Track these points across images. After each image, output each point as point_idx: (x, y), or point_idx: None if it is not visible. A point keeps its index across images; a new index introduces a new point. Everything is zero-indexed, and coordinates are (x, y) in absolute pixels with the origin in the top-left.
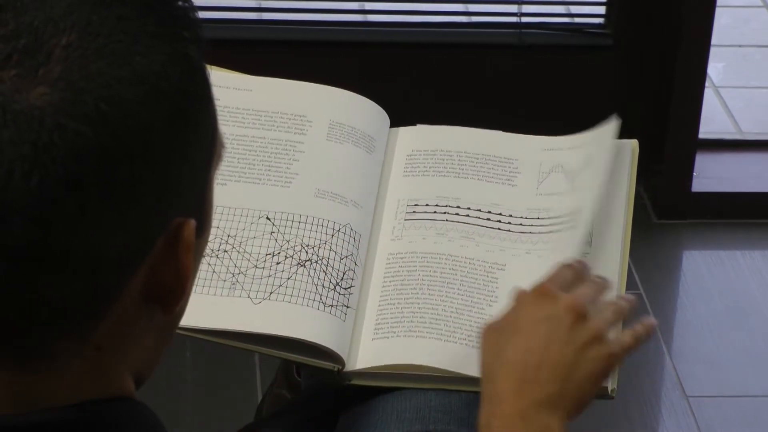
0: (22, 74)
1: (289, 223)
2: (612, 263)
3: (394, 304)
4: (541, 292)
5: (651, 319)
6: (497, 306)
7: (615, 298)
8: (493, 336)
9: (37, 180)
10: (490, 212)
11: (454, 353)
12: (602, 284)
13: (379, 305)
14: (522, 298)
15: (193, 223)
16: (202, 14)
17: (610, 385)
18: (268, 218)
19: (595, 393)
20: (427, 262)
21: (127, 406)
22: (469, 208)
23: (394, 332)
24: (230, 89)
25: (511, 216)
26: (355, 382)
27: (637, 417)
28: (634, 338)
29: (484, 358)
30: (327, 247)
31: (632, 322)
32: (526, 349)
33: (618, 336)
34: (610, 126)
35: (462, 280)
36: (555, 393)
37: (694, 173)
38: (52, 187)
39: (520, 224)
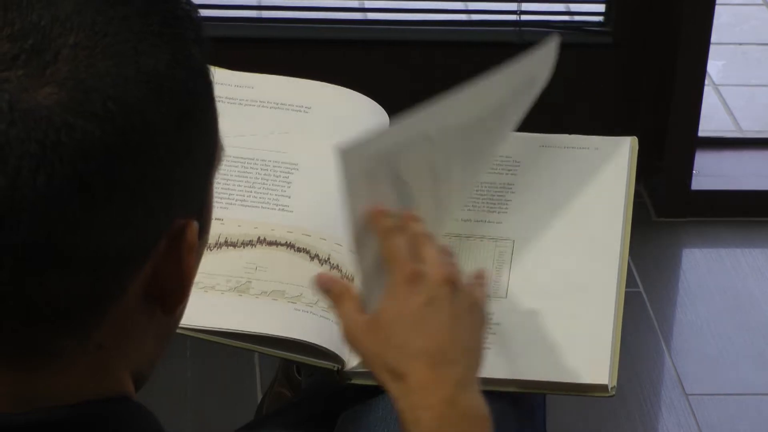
0: (30, 74)
1: (290, 224)
2: (612, 261)
3: None
4: (409, 277)
5: (480, 270)
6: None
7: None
8: (370, 333)
9: (44, 178)
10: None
11: None
12: (415, 222)
13: None
14: (394, 290)
15: (195, 223)
16: (201, 12)
17: (610, 382)
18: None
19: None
20: None
21: (126, 406)
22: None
23: None
24: (231, 86)
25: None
26: (356, 381)
27: (636, 415)
28: (481, 286)
29: (374, 359)
30: (328, 247)
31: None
32: (426, 336)
33: (472, 288)
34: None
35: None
36: (468, 368)
37: (694, 171)
38: (59, 186)
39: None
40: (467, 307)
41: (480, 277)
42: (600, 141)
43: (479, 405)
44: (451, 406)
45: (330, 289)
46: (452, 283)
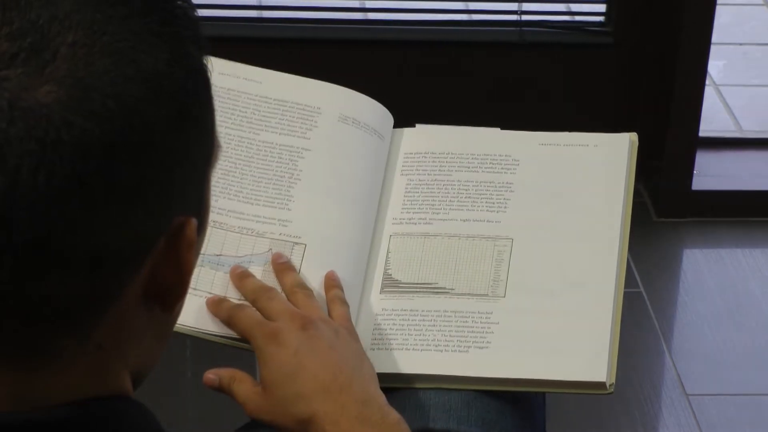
0: (29, 72)
1: (291, 225)
2: (611, 257)
3: (392, 318)
4: (267, 336)
5: (329, 272)
6: (500, 308)
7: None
8: (274, 395)
9: (45, 177)
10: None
11: (454, 360)
12: (280, 270)
13: (376, 316)
14: (263, 355)
15: (194, 221)
16: (202, 12)
17: (609, 379)
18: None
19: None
20: (422, 272)
21: (125, 405)
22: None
23: (392, 344)
24: (240, 79)
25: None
26: None
27: (637, 415)
28: (341, 302)
29: (286, 421)
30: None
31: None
32: (312, 375)
33: (335, 309)
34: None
35: (459, 298)
36: (362, 383)
37: (695, 171)
38: (59, 185)
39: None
40: (332, 333)
41: (340, 311)
42: (599, 138)
43: (388, 412)
44: (363, 424)
45: (219, 382)
46: (307, 323)
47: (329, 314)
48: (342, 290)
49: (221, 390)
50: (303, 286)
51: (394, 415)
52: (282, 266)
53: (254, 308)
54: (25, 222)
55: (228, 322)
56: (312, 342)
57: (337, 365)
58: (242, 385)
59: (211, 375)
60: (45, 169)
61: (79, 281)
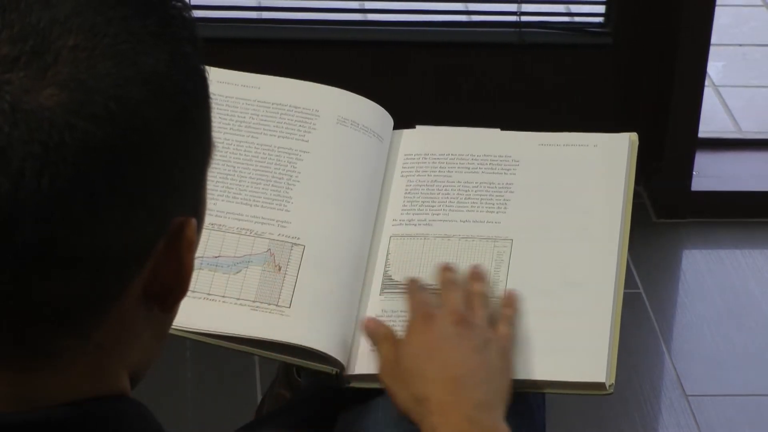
0: (31, 75)
1: (290, 226)
2: (610, 257)
3: (392, 319)
4: (424, 317)
5: (510, 291)
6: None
7: (480, 292)
8: (399, 369)
9: (48, 179)
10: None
11: None
12: (465, 280)
13: (376, 317)
14: (411, 330)
15: (194, 221)
16: (202, 13)
17: (608, 380)
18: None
19: (510, 383)
20: (422, 273)
21: (125, 405)
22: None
23: None
24: (238, 86)
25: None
26: (354, 384)
27: (636, 416)
28: (509, 324)
29: (399, 391)
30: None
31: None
32: (444, 365)
33: (500, 327)
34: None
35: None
36: (487, 392)
37: (694, 172)
38: (62, 187)
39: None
40: (482, 342)
41: (505, 329)
42: (599, 138)
43: (500, 428)
44: (470, 424)
45: (374, 333)
46: (463, 321)
47: (496, 329)
48: (516, 313)
49: (371, 338)
50: (483, 296)
51: (504, 428)
52: (477, 274)
53: (434, 294)
54: (28, 224)
55: (407, 295)
56: (458, 338)
57: (471, 367)
58: (387, 345)
59: (372, 324)
60: (48, 171)
61: (81, 282)
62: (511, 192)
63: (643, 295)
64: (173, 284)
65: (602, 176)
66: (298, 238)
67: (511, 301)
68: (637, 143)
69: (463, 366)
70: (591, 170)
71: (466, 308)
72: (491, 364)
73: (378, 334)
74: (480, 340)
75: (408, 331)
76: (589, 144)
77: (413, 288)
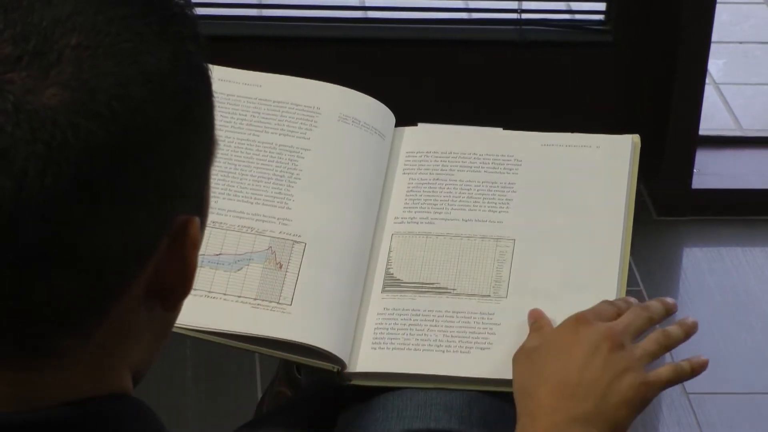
0: (33, 75)
1: (291, 223)
2: (613, 259)
3: (393, 317)
4: (579, 319)
5: (701, 357)
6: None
7: (664, 330)
8: (529, 357)
9: (51, 179)
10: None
11: (456, 361)
12: (652, 315)
13: (378, 315)
14: (561, 325)
15: (197, 220)
16: (202, 11)
17: None
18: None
19: (631, 420)
20: (424, 271)
21: (127, 404)
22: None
23: (393, 344)
24: (239, 84)
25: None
26: (356, 382)
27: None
28: (675, 372)
29: (520, 378)
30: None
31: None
32: (564, 368)
33: (661, 368)
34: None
35: (460, 297)
36: (590, 411)
37: (695, 170)
38: (66, 186)
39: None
40: (621, 368)
41: (662, 340)
42: (601, 139)
43: None
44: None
45: (536, 319)
46: (614, 343)
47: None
48: (681, 373)
49: (530, 321)
50: (663, 334)
51: None
52: (667, 310)
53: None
54: (32, 224)
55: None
56: (598, 355)
57: (591, 383)
58: (538, 334)
59: (538, 313)
60: (51, 171)
61: (83, 281)
62: (514, 192)
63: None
64: (176, 283)
65: (605, 178)
66: (300, 236)
67: (671, 342)
68: (639, 145)
69: (584, 381)
70: (594, 171)
71: (629, 334)
72: (616, 391)
73: (538, 321)
74: (619, 366)
75: (558, 327)
76: (592, 145)
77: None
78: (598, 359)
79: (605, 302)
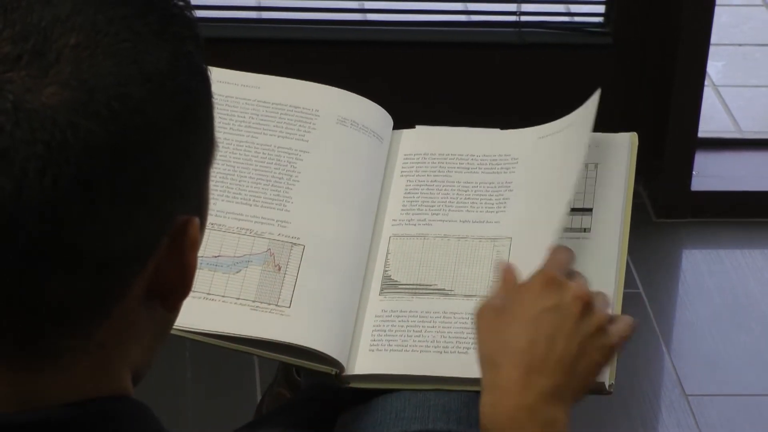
0: (33, 74)
1: (290, 226)
2: (610, 258)
3: (391, 319)
4: (548, 279)
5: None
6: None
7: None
8: (493, 318)
9: (51, 179)
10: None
11: (453, 362)
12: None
13: (376, 317)
14: (527, 284)
15: (197, 220)
16: (202, 13)
17: (608, 380)
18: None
19: (593, 382)
20: (422, 273)
21: (127, 405)
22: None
23: (391, 346)
24: (238, 86)
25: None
26: (354, 384)
27: (636, 415)
28: (630, 326)
29: (484, 341)
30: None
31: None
32: (533, 340)
33: (615, 326)
34: (593, 100)
35: (456, 298)
36: (561, 384)
37: (694, 172)
38: (66, 186)
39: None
40: (590, 331)
41: (624, 326)
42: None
43: (559, 422)
44: (529, 414)
45: (504, 274)
46: (585, 304)
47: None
48: (633, 326)
49: (499, 277)
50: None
51: (561, 427)
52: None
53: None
54: (32, 224)
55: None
56: (567, 322)
57: (561, 353)
58: (504, 293)
59: (508, 268)
60: (51, 171)
61: (84, 282)
62: (510, 190)
63: (643, 295)
64: (176, 283)
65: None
66: (298, 238)
67: (629, 323)
68: (637, 144)
69: (549, 348)
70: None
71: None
72: (583, 358)
73: (506, 277)
74: (592, 328)
75: (524, 287)
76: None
77: (557, 248)
78: (567, 326)
79: (560, 249)
